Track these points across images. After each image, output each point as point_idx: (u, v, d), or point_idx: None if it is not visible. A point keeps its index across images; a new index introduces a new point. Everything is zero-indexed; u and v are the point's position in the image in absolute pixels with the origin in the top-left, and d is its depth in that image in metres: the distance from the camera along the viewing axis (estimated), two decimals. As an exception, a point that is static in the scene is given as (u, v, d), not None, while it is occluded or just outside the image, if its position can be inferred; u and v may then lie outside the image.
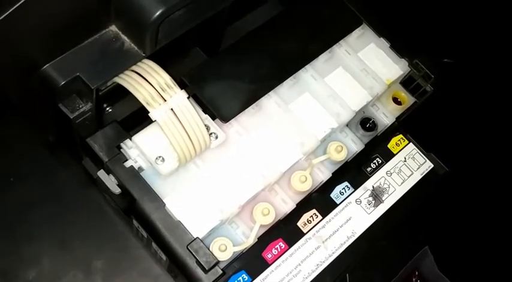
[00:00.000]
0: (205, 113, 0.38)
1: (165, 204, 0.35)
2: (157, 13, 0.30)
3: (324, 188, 0.42)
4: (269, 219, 0.38)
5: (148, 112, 0.34)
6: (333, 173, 0.41)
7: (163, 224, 0.35)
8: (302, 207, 0.41)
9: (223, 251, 0.36)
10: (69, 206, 0.42)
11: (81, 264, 0.42)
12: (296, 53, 0.41)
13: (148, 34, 0.32)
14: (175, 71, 0.39)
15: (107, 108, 0.40)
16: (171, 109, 0.34)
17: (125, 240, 0.42)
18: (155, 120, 0.34)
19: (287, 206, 0.39)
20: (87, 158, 0.40)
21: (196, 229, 0.35)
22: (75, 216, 0.42)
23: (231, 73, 0.40)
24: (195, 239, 0.35)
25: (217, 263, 0.35)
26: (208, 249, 0.35)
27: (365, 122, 0.43)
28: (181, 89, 0.35)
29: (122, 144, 0.36)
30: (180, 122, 0.34)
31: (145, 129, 0.36)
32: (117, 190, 0.36)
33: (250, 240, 0.37)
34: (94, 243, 0.42)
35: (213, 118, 0.38)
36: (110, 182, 0.36)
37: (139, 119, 0.38)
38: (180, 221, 0.35)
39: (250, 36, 0.42)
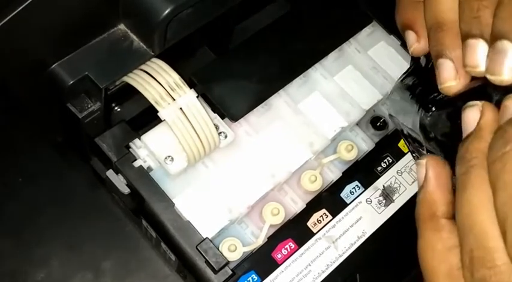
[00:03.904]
0: (214, 113, 0.37)
1: (174, 204, 0.35)
2: (166, 11, 0.30)
3: (334, 187, 0.42)
4: (279, 219, 0.38)
5: (157, 111, 0.33)
6: (343, 173, 0.41)
7: (173, 224, 0.35)
8: (312, 207, 0.41)
9: (233, 251, 0.36)
10: (77, 207, 0.42)
11: (90, 265, 0.41)
12: (305, 52, 0.41)
13: (157, 33, 0.31)
14: (184, 70, 0.39)
15: (116, 108, 0.40)
16: (180, 108, 0.34)
17: (134, 241, 0.42)
18: (164, 120, 0.34)
19: (297, 205, 0.39)
20: (95, 158, 0.39)
21: (206, 229, 0.35)
22: (84, 217, 0.42)
23: (240, 72, 0.39)
24: (204, 239, 0.34)
25: (227, 263, 0.35)
26: (218, 249, 0.35)
27: (375, 121, 0.43)
28: (190, 88, 0.35)
29: (130, 144, 0.36)
30: (189, 121, 0.34)
31: (154, 128, 0.36)
32: (126, 190, 0.36)
33: (260, 241, 0.37)
34: (103, 244, 0.42)
35: (222, 117, 0.38)
36: (119, 182, 0.36)
37: (148, 118, 0.38)
38: (189, 221, 0.35)
39: (259, 35, 0.41)
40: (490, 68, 0.25)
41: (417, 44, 0.30)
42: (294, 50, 0.41)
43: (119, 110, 0.40)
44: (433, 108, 0.29)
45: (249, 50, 0.41)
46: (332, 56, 0.42)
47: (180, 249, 0.35)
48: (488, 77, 0.25)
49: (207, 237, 0.34)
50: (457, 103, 0.27)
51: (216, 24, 0.39)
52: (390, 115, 0.34)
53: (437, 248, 0.25)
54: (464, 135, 0.25)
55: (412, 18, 0.30)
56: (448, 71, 0.27)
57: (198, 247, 0.34)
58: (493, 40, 0.25)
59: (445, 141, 0.28)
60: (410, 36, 0.30)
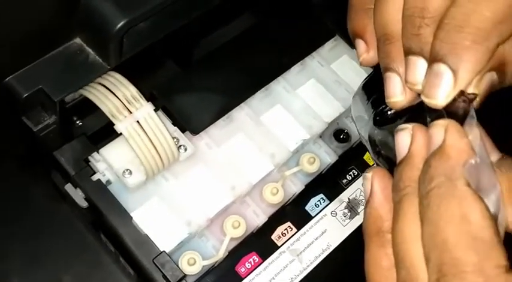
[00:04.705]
0: (175, 126, 0.37)
1: (132, 218, 0.35)
2: (120, 24, 0.30)
3: (299, 200, 0.42)
4: (240, 232, 0.37)
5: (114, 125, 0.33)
6: (307, 185, 0.41)
7: (130, 238, 0.35)
8: (276, 219, 0.41)
9: (192, 264, 0.35)
10: (39, 221, 0.41)
11: (51, 280, 0.41)
12: (268, 65, 0.41)
13: (111, 46, 0.31)
14: (149, 83, 0.39)
15: (77, 121, 0.40)
16: (137, 121, 0.34)
17: (96, 255, 0.41)
18: (121, 133, 0.34)
19: (259, 218, 0.39)
20: (55, 171, 0.39)
21: (164, 243, 0.35)
22: (46, 231, 0.41)
23: (202, 85, 0.40)
24: (161, 252, 0.34)
25: (184, 276, 0.34)
26: (176, 263, 0.35)
27: (338, 134, 0.43)
28: (153, 101, 0.35)
29: (89, 158, 0.36)
30: (146, 134, 0.34)
31: (112, 142, 0.36)
32: (84, 204, 0.35)
33: (221, 254, 0.37)
34: (64, 258, 0.41)
35: (183, 130, 0.38)
36: (77, 196, 0.35)
37: (111, 132, 0.37)
38: (147, 235, 0.35)
39: (223, 48, 0.42)
40: (426, 90, 0.24)
41: (366, 54, 0.29)
42: (257, 63, 0.41)
43: (80, 123, 0.40)
44: (381, 121, 0.28)
45: (213, 63, 0.41)
46: (295, 69, 0.42)
47: (138, 263, 0.34)
48: (423, 98, 0.25)
49: (163, 251, 0.34)
50: (402, 119, 0.27)
51: (179, 37, 0.40)
52: (352, 118, 0.33)
53: (382, 264, 0.24)
54: (398, 159, 0.25)
55: (363, 26, 0.29)
56: (394, 85, 0.26)
57: (154, 260, 0.34)
58: (431, 61, 0.24)
59: (390, 157, 0.27)
60: (360, 45, 0.29)
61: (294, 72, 0.42)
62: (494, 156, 0.25)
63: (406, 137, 0.25)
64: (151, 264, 0.34)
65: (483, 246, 0.21)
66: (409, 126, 0.25)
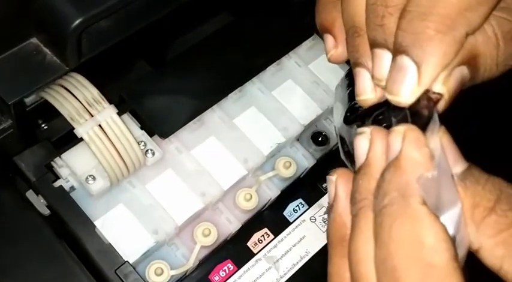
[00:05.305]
0: (143, 129, 0.36)
1: (95, 226, 0.33)
2: (76, 23, 0.29)
3: (277, 205, 0.40)
4: (211, 240, 0.36)
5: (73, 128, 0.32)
6: (285, 190, 0.40)
7: (93, 247, 0.33)
8: (253, 226, 0.39)
9: (159, 275, 0.34)
10: (5, 228, 0.40)
11: (18, 291, 0.39)
12: (243, 66, 0.40)
13: (68, 45, 0.30)
14: (117, 85, 0.38)
15: (42, 125, 0.38)
16: (99, 125, 0.32)
17: (63, 265, 0.39)
18: (81, 137, 0.32)
19: (232, 225, 0.37)
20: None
21: (129, 252, 0.33)
22: (13, 240, 0.39)
23: (173, 87, 0.38)
24: (124, 262, 0.32)
25: (149, 287, 0.33)
26: (143, 273, 0.33)
27: (317, 136, 0.41)
28: (122, 103, 0.34)
29: (52, 163, 0.34)
30: (109, 138, 0.32)
31: (76, 146, 0.34)
32: (46, 211, 0.34)
33: (190, 263, 0.35)
34: (33, 267, 0.39)
35: (151, 134, 0.36)
36: (39, 203, 0.34)
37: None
38: (110, 244, 0.33)
39: (196, 47, 0.40)
40: (388, 86, 0.22)
41: (334, 50, 0.27)
42: (232, 64, 0.40)
43: (46, 127, 0.38)
44: (352, 119, 0.26)
45: (185, 63, 0.39)
46: (271, 70, 0.41)
47: (100, 274, 0.33)
48: (386, 95, 0.23)
49: (126, 261, 0.33)
50: (371, 117, 0.25)
51: (149, 36, 0.38)
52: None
53: (345, 277, 0.23)
54: (357, 166, 0.23)
55: (331, 19, 0.27)
56: (364, 81, 0.24)
57: (117, 271, 0.32)
58: (394, 54, 0.22)
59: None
60: (328, 41, 0.27)
61: (270, 73, 0.41)
62: (460, 166, 0.22)
63: (364, 142, 0.23)
64: (114, 275, 0.32)
65: (437, 274, 0.19)
66: (367, 130, 0.23)
